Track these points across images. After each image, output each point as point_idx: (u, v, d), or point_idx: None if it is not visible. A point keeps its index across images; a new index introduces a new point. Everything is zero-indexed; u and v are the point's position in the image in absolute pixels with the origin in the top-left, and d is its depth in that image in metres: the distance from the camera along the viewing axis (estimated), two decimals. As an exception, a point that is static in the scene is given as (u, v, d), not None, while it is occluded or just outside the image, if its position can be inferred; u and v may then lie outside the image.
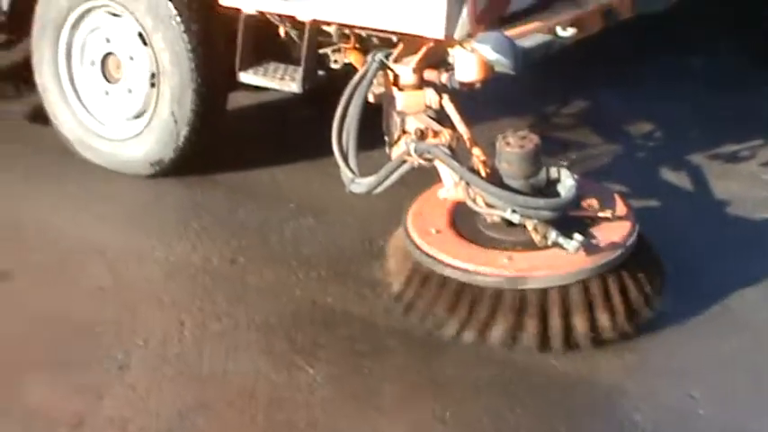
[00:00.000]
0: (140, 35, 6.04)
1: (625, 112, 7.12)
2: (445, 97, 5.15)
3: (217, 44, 5.96)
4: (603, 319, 4.63)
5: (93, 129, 6.35)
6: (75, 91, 6.39)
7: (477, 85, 5.12)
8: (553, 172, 4.86)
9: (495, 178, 4.85)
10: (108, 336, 4.78)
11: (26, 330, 4.93)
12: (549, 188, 4.86)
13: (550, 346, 4.56)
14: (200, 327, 4.84)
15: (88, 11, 6.14)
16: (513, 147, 4.82)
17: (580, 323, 4.60)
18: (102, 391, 4.31)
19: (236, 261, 5.50)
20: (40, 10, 6.31)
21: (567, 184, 4.80)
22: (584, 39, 5.58)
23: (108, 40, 6.15)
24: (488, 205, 4.78)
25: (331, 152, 5.10)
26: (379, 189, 5.16)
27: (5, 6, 6.47)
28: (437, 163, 4.99)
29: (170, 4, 5.86)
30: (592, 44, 6.27)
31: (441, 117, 5.18)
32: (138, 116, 6.15)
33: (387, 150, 5.25)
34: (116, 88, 6.21)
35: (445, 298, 4.73)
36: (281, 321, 4.97)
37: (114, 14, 6.06)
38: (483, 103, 5.99)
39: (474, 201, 4.83)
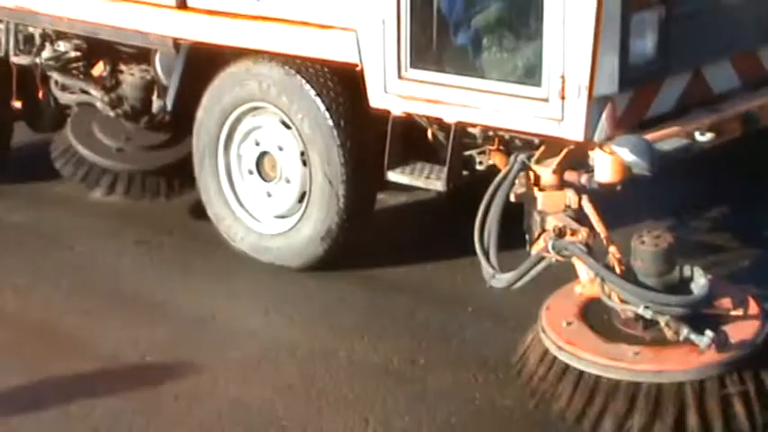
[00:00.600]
0: (283, 123, 6.30)
1: (764, 218, 7.11)
2: (584, 198, 5.24)
3: (366, 138, 6.16)
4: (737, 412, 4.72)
5: (260, 230, 6.61)
6: (234, 190, 6.69)
7: (617, 187, 5.22)
8: (686, 270, 4.88)
9: (629, 275, 4.93)
10: (295, 430, 4.97)
11: (223, 421, 5.14)
12: (682, 286, 4.89)
13: None
14: (383, 424, 4.95)
15: (244, 114, 6.46)
16: (647, 245, 4.89)
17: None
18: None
19: (416, 362, 5.59)
20: (200, 116, 6.64)
21: (699, 282, 4.85)
22: (724, 143, 5.71)
23: (261, 143, 6.45)
24: (622, 301, 4.87)
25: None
26: (519, 284, 5.22)
27: (170, 105, 6.78)
28: (574, 260, 5.07)
29: (318, 102, 6.11)
30: (734, 148, 6.28)
31: (579, 216, 5.28)
32: (290, 214, 6.38)
33: (527, 248, 5.33)
34: (275, 185, 6.46)
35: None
36: (461, 422, 5.04)
37: (273, 117, 6.35)
38: (623, 204, 5.98)
39: (609, 296, 4.92)
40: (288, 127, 6.24)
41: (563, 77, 5.13)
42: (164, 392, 5.40)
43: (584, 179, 5.27)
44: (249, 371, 5.62)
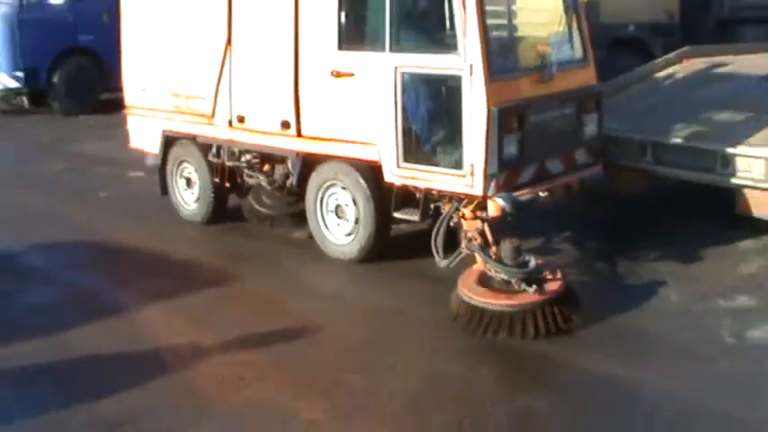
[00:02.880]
0: (343, 188, 7.34)
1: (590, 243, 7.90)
2: (485, 224, 6.51)
3: (385, 195, 7.18)
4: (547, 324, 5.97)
5: (330, 239, 7.68)
6: (325, 223, 7.72)
7: (502, 219, 6.47)
8: (528, 257, 6.23)
9: (499, 260, 6.24)
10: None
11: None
12: (524, 265, 6.18)
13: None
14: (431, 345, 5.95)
15: (329, 186, 7.58)
16: (506, 245, 6.25)
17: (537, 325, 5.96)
18: None
19: (413, 300, 6.68)
20: (308, 188, 7.68)
21: (532, 263, 6.21)
22: (553, 199, 6.94)
23: (337, 199, 7.57)
24: (495, 272, 6.23)
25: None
26: (451, 265, 6.56)
27: (296, 183, 7.79)
28: (475, 253, 6.39)
29: (361, 179, 7.24)
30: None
31: (483, 233, 6.48)
32: (350, 233, 7.51)
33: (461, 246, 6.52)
34: (343, 222, 7.59)
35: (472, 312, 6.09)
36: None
37: (341, 187, 7.45)
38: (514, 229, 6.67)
39: (489, 270, 6.27)
40: (346, 190, 7.38)
41: (472, 165, 6.37)
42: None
43: (483, 214, 6.54)
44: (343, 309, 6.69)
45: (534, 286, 6.08)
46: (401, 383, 5.55)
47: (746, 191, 7.45)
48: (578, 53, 7.30)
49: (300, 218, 8.08)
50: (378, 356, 5.93)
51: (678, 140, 7.84)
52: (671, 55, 10.03)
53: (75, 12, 16.10)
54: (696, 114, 8.18)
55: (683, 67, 9.69)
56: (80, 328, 6.43)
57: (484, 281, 6.30)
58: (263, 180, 8.17)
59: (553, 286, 6.20)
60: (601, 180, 7.36)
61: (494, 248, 6.37)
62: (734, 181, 7.51)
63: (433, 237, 6.74)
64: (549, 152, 6.94)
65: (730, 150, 7.47)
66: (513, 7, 7.16)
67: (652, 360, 5.80)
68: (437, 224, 6.76)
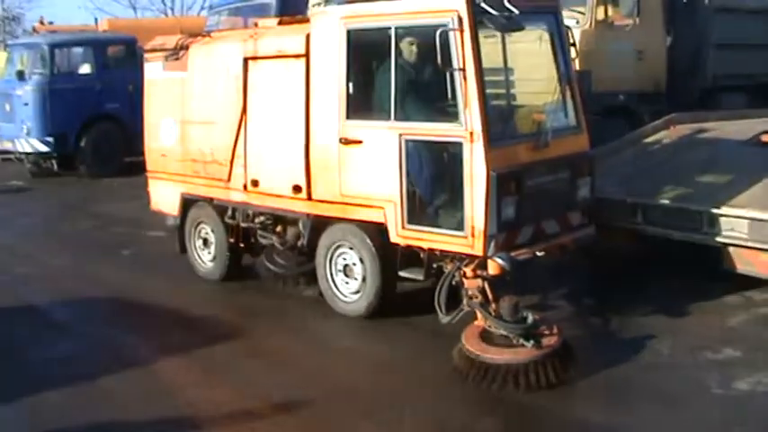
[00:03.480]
0: (351, 248, 7.38)
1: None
2: (486, 282, 6.49)
3: (390, 255, 7.17)
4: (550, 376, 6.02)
5: (339, 297, 7.67)
6: (334, 281, 7.74)
7: (502, 277, 6.44)
8: (526, 313, 6.29)
9: (499, 317, 6.31)
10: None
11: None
12: (522, 321, 6.22)
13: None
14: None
15: (338, 246, 7.60)
16: (506, 303, 6.30)
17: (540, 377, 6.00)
18: None
19: (418, 354, 6.67)
20: (318, 247, 7.71)
21: (530, 318, 6.26)
22: (553, 257, 6.99)
23: (345, 259, 7.58)
24: (495, 327, 6.30)
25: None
26: (454, 320, 6.58)
27: (306, 243, 7.82)
28: (476, 310, 6.45)
29: (368, 240, 7.19)
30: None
31: (483, 290, 6.50)
32: (357, 291, 7.53)
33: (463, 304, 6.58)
34: (351, 280, 7.57)
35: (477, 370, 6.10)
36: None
37: (349, 247, 7.47)
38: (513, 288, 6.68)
39: (490, 326, 6.34)
40: (354, 250, 7.41)
41: (473, 227, 6.43)
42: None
43: (483, 273, 6.52)
44: (345, 359, 6.79)
45: (532, 341, 6.11)
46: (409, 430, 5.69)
47: (731, 248, 7.55)
48: (572, 121, 7.37)
49: (311, 276, 8.09)
50: (386, 406, 5.98)
51: (666, 202, 7.97)
52: (659, 121, 10.15)
53: (102, 81, 16.54)
54: (683, 177, 8.28)
55: (670, 132, 9.81)
56: (105, 379, 6.54)
57: (485, 336, 6.32)
58: (275, 241, 8.21)
59: (550, 341, 6.23)
60: (593, 240, 7.38)
61: (493, 306, 6.40)
62: (719, 239, 7.61)
63: (436, 294, 6.76)
64: (545, 214, 6.99)
65: (715, 211, 7.61)
66: (510, 77, 7.28)
67: (644, 408, 5.83)
68: (440, 282, 6.79)
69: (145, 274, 9.48)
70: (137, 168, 14.88)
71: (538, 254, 6.76)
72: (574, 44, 7.47)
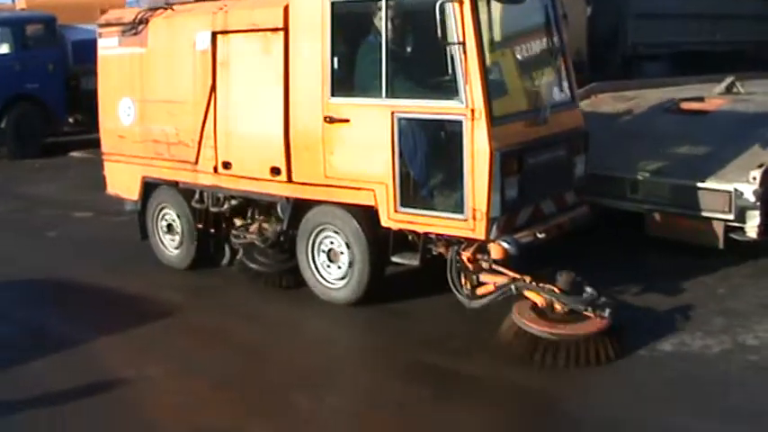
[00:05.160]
0: (336, 233, 6.85)
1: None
2: (493, 263, 6.19)
3: (380, 240, 6.71)
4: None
5: (323, 283, 7.10)
6: (317, 267, 7.13)
7: (505, 258, 6.11)
8: (585, 288, 6.00)
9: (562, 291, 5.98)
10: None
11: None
12: (579, 293, 5.98)
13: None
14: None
15: (321, 230, 7.00)
16: (563, 278, 5.99)
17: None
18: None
19: (412, 339, 6.33)
20: (299, 232, 7.11)
21: (589, 290, 6.01)
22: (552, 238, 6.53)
23: (331, 243, 6.98)
24: (563, 304, 5.92)
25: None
26: (490, 301, 6.18)
27: (286, 227, 7.16)
28: (531, 291, 6.04)
29: (356, 224, 6.73)
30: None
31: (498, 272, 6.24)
32: (343, 278, 6.93)
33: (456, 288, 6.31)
34: (336, 266, 6.99)
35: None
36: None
37: (334, 231, 6.90)
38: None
39: (552, 303, 5.93)
40: (339, 234, 6.85)
41: (474, 209, 6.02)
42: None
43: (484, 257, 6.23)
44: (321, 344, 6.46)
45: (608, 310, 5.83)
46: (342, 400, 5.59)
47: (655, 214, 7.64)
48: (567, 95, 6.98)
49: (293, 274, 7.50)
50: (321, 377, 5.86)
51: (592, 171, 7.53)
52: (580, 90, 9.58)
53: (21, 61, 15.79)
54: (606, 145, 7.94)
55: (592, 102, 9.55)
56: (35, 363, 6.24)
57: (536, 311, 6.03)
58: (255, 238, 7.54)
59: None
60: (589, 219, 6.96)
61: (548, 285, 6.02)
62: (643, 206, 7.73)
63: (450, 282, 6.39)
64: (544, 194, 6.64)
65: (638, 177, 7.72)
66: (504, 52, 6.72)
67: (573, 372, 5.74)
68: (449, 271, 6.37)
69: (74, 255, 9.03)
70: (59, 149, 16.05)
71: (539, 236, 6.39)
72: (565, 15, 7.02)
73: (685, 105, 8.94)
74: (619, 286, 6.92)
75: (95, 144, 9.00)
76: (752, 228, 7.15)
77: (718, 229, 7.31)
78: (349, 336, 6.76)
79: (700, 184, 7.38)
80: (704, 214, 7.36)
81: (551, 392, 5.55)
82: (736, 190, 7.17)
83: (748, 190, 7.12)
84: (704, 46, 13.85)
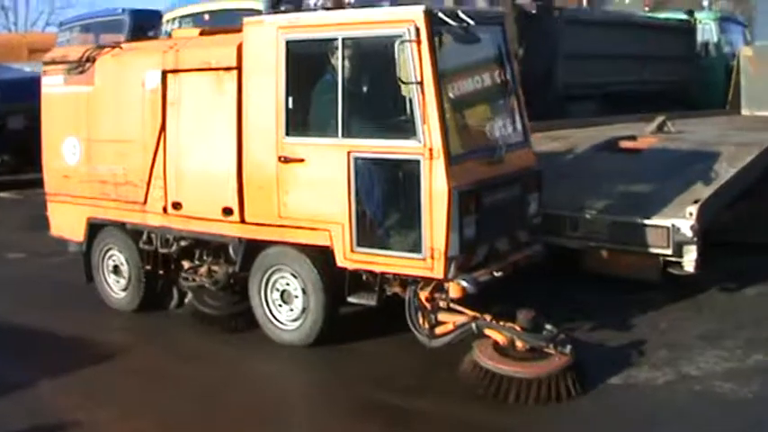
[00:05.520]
0: (292, 275, 6.73)
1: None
2: (451, 302, 6.12)
3: (335, 280, 6.51)
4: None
5: (276, 325, 6.92)
6: (270, 308, 6.95)
7: (464, 296, 6.04)
8: (545, 326, 6.01)
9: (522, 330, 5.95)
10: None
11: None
12: (539, 331, 5.97)
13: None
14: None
15: (274, 270, 6.85)
16: (523, 316, 5.96)
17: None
18: None
19: (366, 379, 6.25)
20: (252, 272, 6.95)
21: (548, 328, 6.00)
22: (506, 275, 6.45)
23: (287, 284, 6.82)
24: (524, 342, 5.91)
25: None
26: (451, 340, 6.11)
27: (239, 269, 6.99)
28: (492, 329, 6.00)
29: (309, 264, 6.60)
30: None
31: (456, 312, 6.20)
32: (297, 319, 6.78)
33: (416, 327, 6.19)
34: (288, 307, 6.85)
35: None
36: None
37: (288, 273, 6.77)
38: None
39: (512, 341, 5.92)
40: (295, 277, 6.72)
41: (432, 248, 5.92)
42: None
43: (441, 296, 6.17)
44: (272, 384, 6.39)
45: (569, 347, 5.86)
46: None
47: (593, 251, 7.71)
48: (520, 134, 6.91)
49: (245, 317, 7.32)
50: (273, 419, 5.83)
51: None
52: None
53: None
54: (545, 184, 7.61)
55: None
56: None
57: (500, 351, 5.99)
58: (205, 281, 7.35)
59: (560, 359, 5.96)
60: (544, 257, 6.90)
61: (508, 323, 6.04)
62: (581, 242, 7.74)
63: (410, 322, 6.26)
64: (500, 232, 6.56)
65: (576, 215, 7.74)
66: (459, 90, 6.57)
67: (526, 408, 5.72)
68: (407, 310, 6.25)
69: (13, 297, 8.64)
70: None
71: (495, 274, 6.32)
72: (517, 54, 7.02)
73: (623, 144, 9.09)
74: (565, 323, 6.81)
75: (24, 185, 8.66)
76: (689, 262, 7.24)
77: (656, 264, 7.39)
78: (301, 375, 6.66)
79: (638, 221, 7.43)
80: (643, 250, 7.41)
81: (502, 427, 5.53)
82: (673, 225, 7.25)
83: (685, 225, 7.21)
84: (633, 85, 14.06)
